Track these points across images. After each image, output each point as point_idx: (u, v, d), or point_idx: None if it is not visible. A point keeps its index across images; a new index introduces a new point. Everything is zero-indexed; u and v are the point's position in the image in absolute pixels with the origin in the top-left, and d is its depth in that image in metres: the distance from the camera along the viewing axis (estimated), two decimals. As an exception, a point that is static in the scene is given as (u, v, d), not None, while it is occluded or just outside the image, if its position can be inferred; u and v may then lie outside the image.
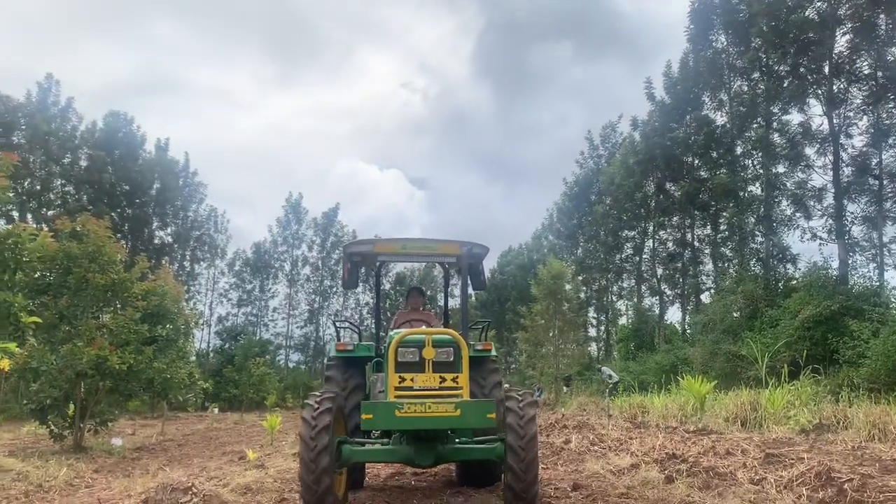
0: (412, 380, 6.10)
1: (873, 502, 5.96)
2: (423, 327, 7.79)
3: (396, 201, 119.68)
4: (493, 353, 8.20)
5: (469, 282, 7.86)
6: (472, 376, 7.14)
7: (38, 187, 42.24)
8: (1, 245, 10.16)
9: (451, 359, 6.28)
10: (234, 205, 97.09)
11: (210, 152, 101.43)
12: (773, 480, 7.25)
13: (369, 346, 8.20)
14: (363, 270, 9.14)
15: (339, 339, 9.03)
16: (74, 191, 45.13)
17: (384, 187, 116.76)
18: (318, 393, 6.31)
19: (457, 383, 6.15)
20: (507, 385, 8.57)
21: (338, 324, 10.18)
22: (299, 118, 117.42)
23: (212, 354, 52.65)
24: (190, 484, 7.33)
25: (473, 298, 55.37)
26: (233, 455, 13.51)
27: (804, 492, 6.63)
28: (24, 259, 10.36)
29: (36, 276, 13.74)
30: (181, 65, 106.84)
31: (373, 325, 9.57)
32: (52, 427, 14.64)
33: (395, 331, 7.17)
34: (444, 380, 6.15)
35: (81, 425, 14.88)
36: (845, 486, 6.46)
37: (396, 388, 6.03)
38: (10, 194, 10.33)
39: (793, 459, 8.14)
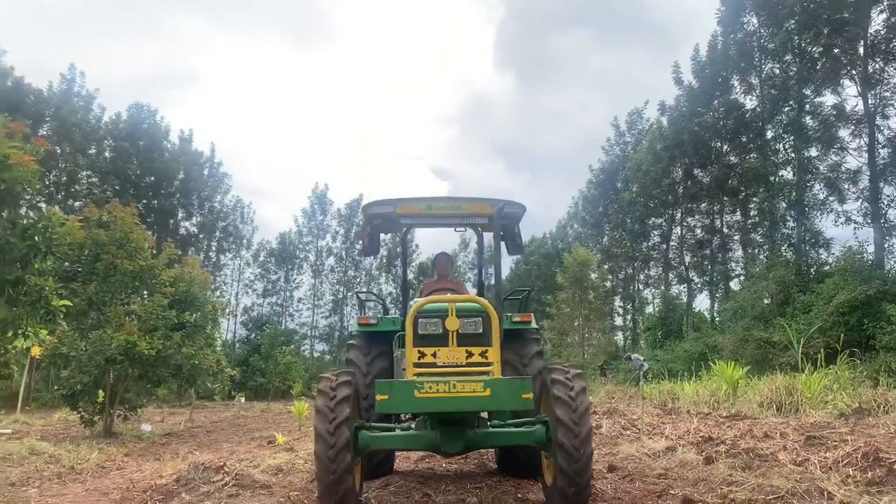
0: (434, 355, 5.29)
1: (927, 481, 5.71)
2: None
3: (420, 192, 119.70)
4: (534, 323, 7.43)
5: (504, 245, 7.09)
6: (510, 347, 6.62)
7: (65, 179, 42.69)
8: (32, 230, 10.12)
9: (480, 330, 5.49)
10: (259, 195, 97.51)
11: (235, 142, 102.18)
12: (816, 461, 7.01)
13: (395, 320, 7.41)
14: (385, 236, 8.62)
15: (362, 313, 8.36)
16: (100, 182, 45.60)
17: (408, 178, 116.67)
18: (331, 375, 5.48)
19: (486, 358, 5.32)
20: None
21: (361, 295, 9.40)
22: (322, 107, 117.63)
23: (238, 344, 53.04)
24: (222, 463, 7.28)
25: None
26: (262, 440, 13.52)
27: (851, 472, 6.39)
28: (54, 244, 10.31)
29: (66, 263, 13.78)
30: (203, 56, 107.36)
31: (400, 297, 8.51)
32: (83, 413, 14.78)
33: (418, 300, 6.53)
34: (471, 354, 5.33)
35: (111, 411, 14.99)
36: (895, 465, 6.22)
37: (416, 365, 5.25)
38: (38, 185, 10.28)
39: (835, 441, 7.89)
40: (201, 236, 54.79)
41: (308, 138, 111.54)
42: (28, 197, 10.62)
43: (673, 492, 6.05)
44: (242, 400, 37.23)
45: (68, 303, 11.16)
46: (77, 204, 41.31)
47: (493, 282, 8.54)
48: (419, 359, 5.28)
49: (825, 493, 5.52)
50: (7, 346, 10.60)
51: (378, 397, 4.98)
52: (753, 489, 5.86)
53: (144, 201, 47.97)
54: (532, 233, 67.58)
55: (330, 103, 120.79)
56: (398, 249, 54.51)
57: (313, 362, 55.40)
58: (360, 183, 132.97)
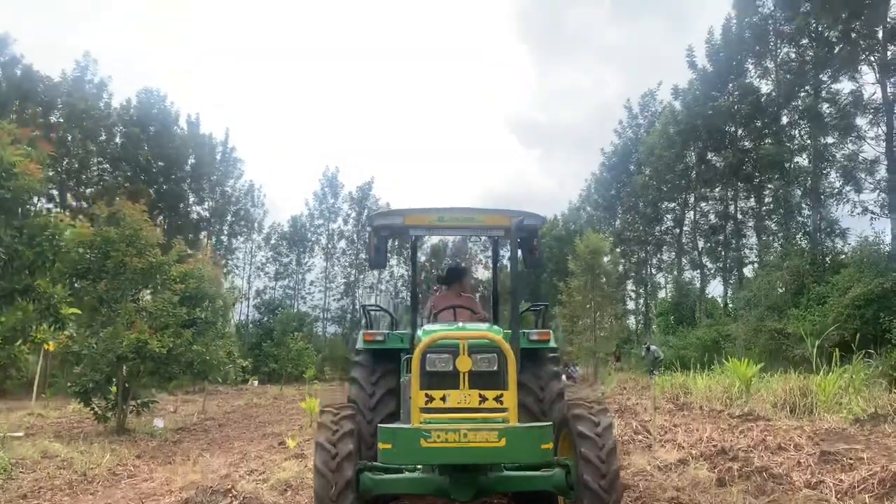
0: (443, 398, 4.83)
1: (944, 516, 5.60)
2: (464, 321, 6.66)
3: (426, 166, 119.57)
4: (552, 342, 6.94)
5: (521, 259, 6.62)
6: (526, 368, 6.20)
7: (77, 166, 42.78)
8: (38, 236, 10.13)
9: (494, 368, 5.03)
10: (271, 178, 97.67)
11: (246, 124, 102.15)
12: (832, 484, 6.92)
13: (403, 336, 6.97)
14: (393, 244, 8.08)
15: (368, 327, 7.74)
16: (111, 168, 45.71)
17: (419, 159, 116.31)
18: (333, 408, 5.24)
19: (501, 404, 4.83)
20: (565, 381, 7.40)
21: (368, 308, 8.59)
22: (332, 88, 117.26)
23: (250, 327, 53.38)
24: (229, 486, 7.27)
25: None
26: (273, 439, 13.55)
27: (867, 500, 6.30)
28: (61, 249, 10.33)
29: (74, 264, 13.77)
30: (212, 40, 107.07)
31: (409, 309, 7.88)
32: (96, 409, 14.87)
33: (426, 328, 5.99)
34: (484, 398, 4.84)
35: (124, 407, 15.08)
36: (913, 495, 6.11)
37: (423, 410, 4.78)
38: (39, 184, 10.28)
39: (851, 459, 7.78)
40: (213, 220, 54.96)
41: (318, 121, 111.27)
42: (33, 205, 10.66)
43: (686, 525, 5.96)
44: (255, 383, 37.64)
45: (77, 311, 11.18)
46: (89, 191, 41.48)
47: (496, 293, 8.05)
48: (426, 403, 4.80)
49: (841, 533, 5.41)
50: (17, 352, 10.64)
51: (381, 446, 4.62)
52: (767, 524, 5.76)
53: (155, 186, 48.17)
54: (544, 213, 67.26)
55: (340, 84, 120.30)
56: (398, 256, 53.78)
57: (326, 343, 55.78)
58: (371, 165, 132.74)
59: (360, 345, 6.98)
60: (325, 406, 5.38)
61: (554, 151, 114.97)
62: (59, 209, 36.62)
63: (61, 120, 40.68)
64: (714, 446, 9.66)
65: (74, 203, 39.74)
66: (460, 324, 6.20)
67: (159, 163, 48.75)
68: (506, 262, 8.14)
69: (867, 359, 16.41)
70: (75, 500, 8.28)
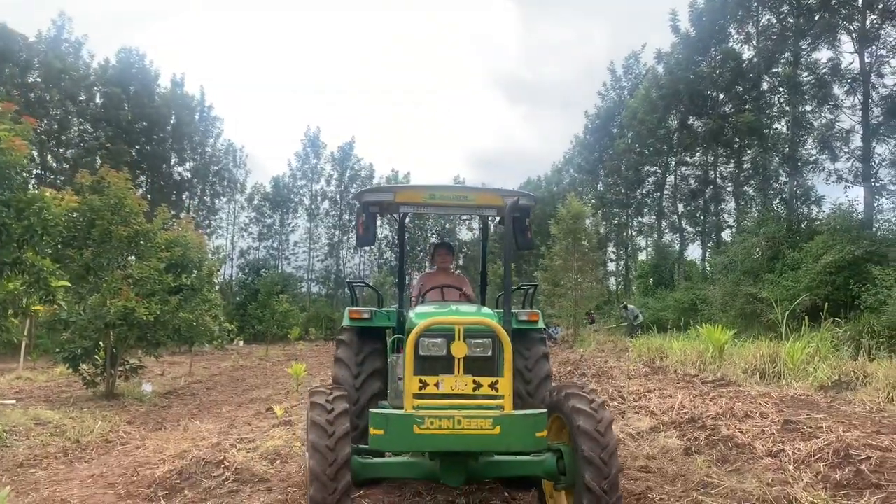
0: (437, 384, 4.71)
1: (891, 484, 6.05)
2: (454, 304, 6.49)
3: (411, 126, 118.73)
4: (541, 322, 6.90)
5: (514, 240, 6.19)
6: (514, 349, 5.53)
7: (56, 127, 42.25)
8: (27, 211, 10.24)
9: (489, 353, 5.04)
10: (253, 139, 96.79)
11: (227, 86, 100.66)
12: (790, 453, 7.35)
13: (390, 314, 6.88)
14: (381, 221, 7.98)
15: (353, 304, 7.52)
16: (92, 129, 45.17)
17: (401, 113, 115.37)
18: (324, 388, 5.13)
19: (496, 390, 4.73)
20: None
21: (354, 284, 8.35)
22: (312, 44, 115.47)
23: (235, 287, 53.56)
24: (222, 457, 7.59)
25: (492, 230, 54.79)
26: (260, 404, 13.89)
27: (822, 469, 6.73)
28: (49, 224, 10.45)
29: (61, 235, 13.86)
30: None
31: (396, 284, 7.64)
32: (85, 374, 15.11)
33: (418, 310, 5.83)
34: (478, 385, 4.74)
35: (112, 372, 15.33)
36: (863, 465, 6.55)
37: (416, 396, 4.66)
38: (26, 159, 10.33)
39: (811, 428, 8.23)
40: (195, 181, 54.63)
41: (300, 79, 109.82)
42: (21, 179, 10.71)
43: (651, 495, 6.37)
44: (241, 343, 37.96)
45: (67, 283, 11.34)
46: (69, 152, 41.03)
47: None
48: (420, 388, 4.68)
49: (793, 502, 5.83)
50: (7, 324, 10.80)
51: (372, 431, 4.53)
52: (726, 494, 6.19)
53: (137, 147, 47.77)
54: (528, 175, 67.57)
55: (321, 41, 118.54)
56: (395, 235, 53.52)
57: (310, 303, 56.12)
58: (354, 124, 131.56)
59: (345, 322, 6.83)
60: (315, 388, 5.22)
61: (539, 109, 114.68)
62: (40, 171, 36.24)
63: (39, 80, 40.02)
64: (685, 414, 10.10)
65: (55, 165, 39.36)
66: (454, 307, 6.14)
67: (141, 123, 48.21)
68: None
69: (836, 326, 16.98)
70: (71, 468, 8.53)
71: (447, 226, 59.10)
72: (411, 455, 5.24)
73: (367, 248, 60.86)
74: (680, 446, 8.25)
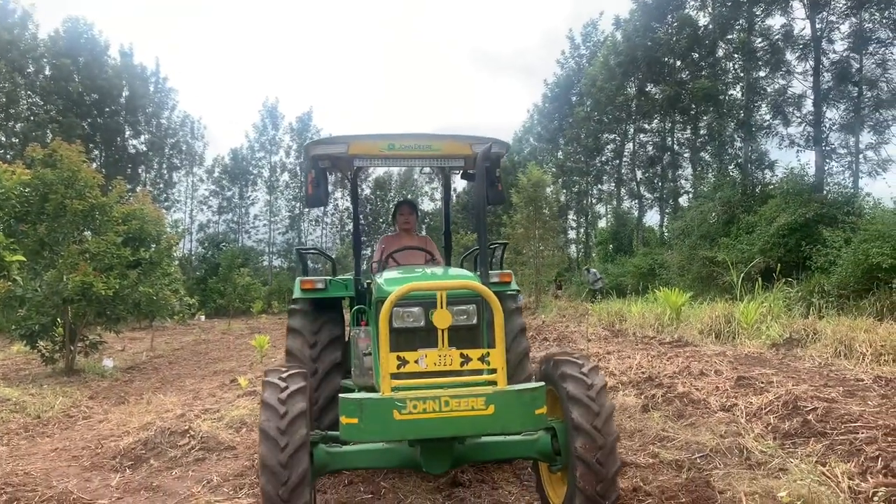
0: (417, 361, 4.01)
1: (835, 433, 6.33)
2: (422, 268, 5.79)
3: (370, 95, 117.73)
4: (514, 285, 6.27)
5: (484, 194, 5.22)
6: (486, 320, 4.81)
7: (4, 100, 40.96)
8: (-23, 184, 10.03)
9: (474, 321, 4.43)
10: (210, 110, 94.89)
11: (182, 56, 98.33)
12: (743, 407, 7.65)
13: (346, 282, 6.25)
14: (335, 178, 6.92)
15: (304, 274, 6.83)
16: (42, 101, 43.87)
17: (357, 82, 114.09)
18: (281, 367, 4.51)
19: (487, 364, 4.07)
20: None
21: (303, 252, 7.53)
22: (267, 14, 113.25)
23: (195, 262, 52.93)
24: (187, 427, 7.62)
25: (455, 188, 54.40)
26: (224, 376, 13.87)
27: (772, 420, 7.02)
28: (1, 198, 10.25)
29: (13, 209, 13.56)
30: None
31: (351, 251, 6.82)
32: (43, 351, 14.89)
33: (386, 276, 5.08)
34: (467, 359, 4.05)
35: (72, 348, 15.15)
36: (809, 416, 6.85)
37: (394, 375, 3.95)
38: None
39: (763, 383, 8.56)
40: (151, 154, 53.55)
41: (257, 48, 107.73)
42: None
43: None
44: (202, 318, 37.62)
45: (21, 258, 11.15)
46: (19, 126, 39.84)
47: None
48: (398, 367, 3.98)
49: (744, 451, 6.10)
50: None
51: (343, 420, 3.83)
52: (682, 446, 6.43)
53: (89, 120, 46.55)
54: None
55: (276, 13, 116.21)
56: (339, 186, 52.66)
57: (273, 277, 55.78)
58: (311, 94, 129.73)
59: (297, 293, 6.23)
60: (270, 367, 4.67)
61: (500, 77, 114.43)
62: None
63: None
64: (643, 373, 10.41)
65: (3, 139, 38.20)
66: (426, 270, 5.56)
67: (92, 95, 46.93)
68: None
69: (788, 286, 17.51)
70: (33, 443, 8.47)
71: (412, 190, 58.85)
72: (387, 441, 4.49)
73: (322, 214, 60.23)
74: (637, 404, 8.51)
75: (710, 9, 33.00)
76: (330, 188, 6.38)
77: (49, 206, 14.52)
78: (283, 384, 4.15)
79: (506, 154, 5.90)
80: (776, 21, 28.98)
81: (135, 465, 6.83)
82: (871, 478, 5.03)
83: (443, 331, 4.05)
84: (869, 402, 7.40)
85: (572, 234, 52.16)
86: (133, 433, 8.04)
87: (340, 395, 4.00)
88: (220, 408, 9.51)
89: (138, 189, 35.73)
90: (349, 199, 7.96)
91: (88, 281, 13.98)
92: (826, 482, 5.08)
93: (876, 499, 4.68)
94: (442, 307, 4.04)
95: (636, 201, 42.30)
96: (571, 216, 51.82)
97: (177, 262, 21.71)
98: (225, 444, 7.30)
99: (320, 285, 6.16)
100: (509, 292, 6.24)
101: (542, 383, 4.17)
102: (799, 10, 27.64)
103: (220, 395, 11.19)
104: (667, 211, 39.66)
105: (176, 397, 11.26)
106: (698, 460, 6.04)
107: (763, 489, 5.02)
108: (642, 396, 8.90)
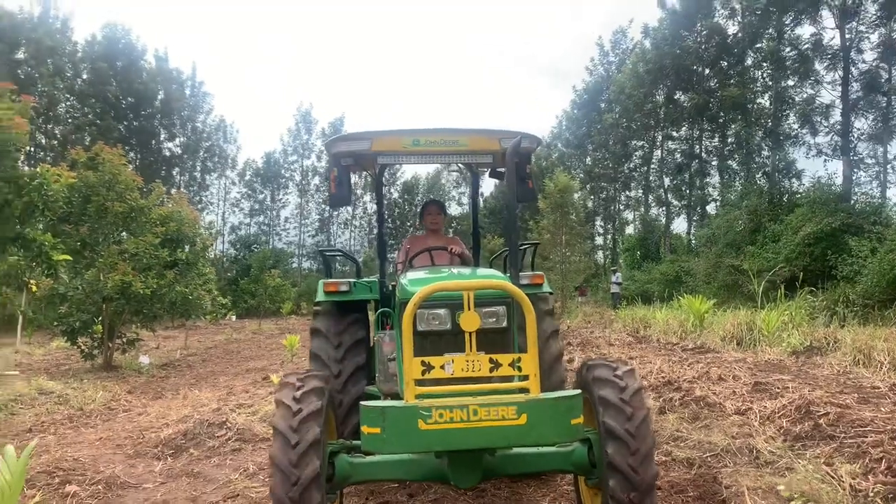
0: (443, 367, 3.74)
1: (844, 436, 6.55)
2: (449, 268, 5.39)
3: (402, 101, 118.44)
4: (546, 286, 5.92)
5: (514, 191, 4.86)
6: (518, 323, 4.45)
7: (45, 102, 42.13)
8: (27, 187, 10.58)
9: (504, 324, 4.16)
10: (244, 114, 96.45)
11: (217, 60, 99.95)
12: (757, 411, 7.86)
13: (371, 285, 6.03)
14: (363, 181, 6.46)
15: (328, 276, 6.57)
16: (80, 105, 45.04)
17: (389, 87, 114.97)
18: (295, 379, 4.09)
19: (518, 370, 3.76)
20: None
21: (326, 253, 7.34)
22: (305, 22, 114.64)
23: (226, 262, 53.87)
24: (224, 419, 8.04)
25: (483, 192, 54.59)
26: (256, 374, 14.31)
27: (784, 424, 7.24)
28: (49, 200, 10.80)
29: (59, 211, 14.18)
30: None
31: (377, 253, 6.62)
32: (83, 347, 15.48)
33: (411, 276, 4.82)
34: (496, 364, 3.76)
35: (110, 345, 15.73)
36: (821, 420, 7.05)
37: (419, 382, 3.71)
38: (26, 137, 10.66)
39: (779, 389, 8.75)
40: (185, 157, 54.69)
41: (292, 55, 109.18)
42: (21, 156, 11.05)
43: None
44: (233, 318, 38.37)
45: (68, 257, 11.70)
46: (58, 129, 40.96)
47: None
48: (423, 373, 3.73)
49: (754, 451, 6.34)
50: (4, 299, 11.18)
51: (365, 430, 3.61)
52: (694, 446, 6.70)
53: (125, 123, 47.68)
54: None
55: (312, 18, 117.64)
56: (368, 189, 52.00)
57: (302, 279, 56.55)
58: (344, 100, 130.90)
59: (320, 296, 5.99)
60: (287, 375, 4.30)
61: (533, 80, 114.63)
62: (30, 148, 36.19)
63: (24, 56, 39.86)
64: (663, 378, 10.62)
65: (44, 141, 39.32)
66: (453, 270, 5.20)
67: (128, 99, 48.11)
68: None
69: (811, 295, 17.58)
70: (78, 433, 8.93)
71: (439, 194, 59.20)
72: (413, 453, 4.21)
73: (350, 217, 60.19)
74: (655, 406, 8.75)
75: (739, 17, 33.02)
76: (359, 192, 6.17)
77: (91, 208, 15.14)
78: (298, 383, 3.98)
79: (537, 148, 5.72)
80: (805, 30, 29.19)
81: (175, 453, 7.26)
82: (872, 477, 5.27)
83: (470, 334, 3.78)
84: (882, 409, 7.56)
85: (599, 241, 52.24)
86: (172, 425, 8.47)
87: (361, 402, 3.73)
88: (253, 403, 9.92)
89: (173, 191, 36.62)
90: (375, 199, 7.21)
91: (127, 280, 14.57)
92: (829, 480, 5.33)
93: (873, 496, 4.92)
94: (469, 309, 3.77)
95: (663, 208, 42.33)
96: (599, 222, 51.93)
97: (211, 264, 22.32)
98: (259, 436, 7.70)
99: (344, 287, 5.91)
100: (541, 294, 5.88)
101: (579, 391, 3.84)
102: (828, 20, 27.68)
103: (253, 391, 11.60)
104: (694, 218, 39.64)
105: (211, 393, 11.70)
106: (709, 459, 6.30)
107: (766, 485, 5.29)
108: (660, 400, 9.13)
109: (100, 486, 6.11)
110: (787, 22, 29.21)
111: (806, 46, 28.14)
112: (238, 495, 5.85)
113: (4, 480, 4.35)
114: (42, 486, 5.89)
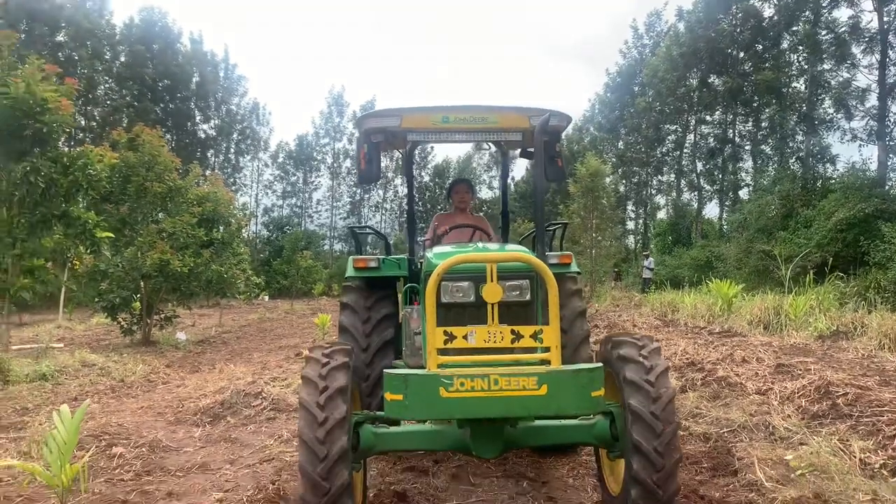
0: (466, 336, 3.77)
1: (860, 415, 6.69)
2: (477, 241, 5.74)
3: (436, 79, 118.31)
4: (574, 266, 5.92)
5: (543, 170, 4.96)
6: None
7: (84, 83, 43.04)
8: (72, 166, 11.01)
9: (527, 297, 4.17)
10: (277, 97, 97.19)
11: (251, 43, 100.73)
12: (777, 391, 8.00)
13: (399, 261, 6.08)
14: (391, 155, 6.56)
15: (359, 253, 6.59)
16: (118, 87, 45.94)
17: (421, 70, 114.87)
18: (321, 355, 4.05)
19: (539, 341, 3.77)
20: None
21: (356, 230, 7.39)
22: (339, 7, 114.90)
23: (259, 244, 54.68)
24: (259, 389, 8.41)
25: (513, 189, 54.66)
26: (289, 351, 14.72)
27: (803, 403, 7.38)
28: (94, 179, 11.22)
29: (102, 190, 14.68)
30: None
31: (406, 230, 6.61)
32: (122, 323, 16.03)
33: (437, 250, 4.92)
34: (518, 335, 3.78)
35: (148, 321, 16.26)
36: (839, 400, 7.19)
37: (441, 352, 3.73)
38: (71, 118, 11.06)
39: (801, 371, 8.86)
40: (219, 139, 55.48)
41: (326, 38, 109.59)
42: (66, 136, 11.49)
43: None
44: (266, 298, 39.07)
45: (111, 234, 12.14)
46: (97, 111, 41.81)
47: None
48: (446, 342, 3.76)
49: (770, 427, 6.52)
50: (47, 277, 11.64)
51: (388, 397, 3.65)
52: (712, 422, 6.89)
53: (161, 105, 48.52)
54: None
55: (344, 1, 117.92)
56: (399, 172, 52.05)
57: (333, 261, 57.20)
58: (376, 83, 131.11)
59: (349, 272, 6.07)
60: (312, 349, 4.25)
61: (564, 64, 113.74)
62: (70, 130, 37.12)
63: (65, 39, 40.72)
64: (687, 359, 10.77)
65: (83, 123, 40.21)
66: (480, 244, 5.34)
67: (164, 81, 48.93)
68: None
69: (840, 280, 17.46)
70: (121, 402, 9.37)
71: (470, 176, 59.35)
72: (435, 422, 4.44)
73: (381, 200, 60.20)
74: (677, 385, 8.92)
75: (775, 0, 32.53)
76: (390, 174, 6.30)
77: (131, 188, 15.61)
78: (324, 360, 3.98)
79: (567, 127, 5.55)
80: (842, 13, 28.52)
81: (214, 421, 7.63)
82: (882, 452, 5.42)
83: (493, 305, 3.78)
84: (902, 391, 7.66)
85: (631, 225, 52.08)
86: (210, 395, 8.85)
87: (385, 370, 3.78)
88: (287, 376, 10.30)
89: (208, 172, 37.37)
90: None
91: (165, 258, 15.04)
92: (839, 454, 5.50)
93: (879, 468, 5.09)
94: (492, 280, 3.77)
95: (696, 193, 42.01)
96: (630, 207, 51.66)
97: (244, 245, 22.84)
98: (293, 406, 8.03)
99: (373, 264, 5.99)
100: (569, 274, 5.87)
101: (600, 364, 3.84)
102: (866, 2, 27.16)
103: (286, 366, 11.99)
104: (726, 203, 39.34)
105: (246, 367, 12.10)
106: (725, 434, 6.49)
107: (777, 457, 5.47)
108: (683, 379, 9.30)
109: (143, 449, 6.48)
110: (824, 4, 28.73)
111: (843, 29, 27.66)
112: (273, 458, 6.19)
113: (61, 436, 4.74)
114: (90, 448, 6.26)
